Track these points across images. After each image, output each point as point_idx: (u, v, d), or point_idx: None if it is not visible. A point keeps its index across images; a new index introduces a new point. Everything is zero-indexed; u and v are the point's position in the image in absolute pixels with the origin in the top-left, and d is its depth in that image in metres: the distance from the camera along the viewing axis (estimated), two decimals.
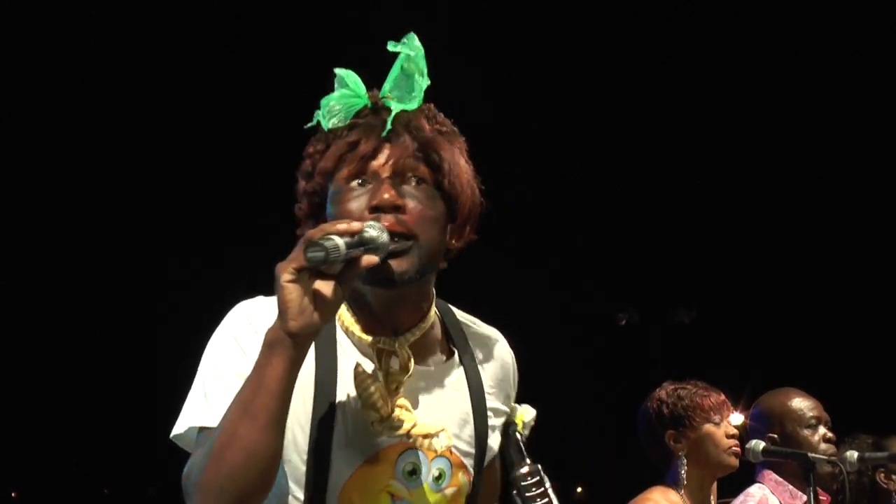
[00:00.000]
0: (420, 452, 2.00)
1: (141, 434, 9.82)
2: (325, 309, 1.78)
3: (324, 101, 2.03)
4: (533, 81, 7.73)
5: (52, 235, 9.10)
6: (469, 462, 2.08)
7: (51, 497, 13.41)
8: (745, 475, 3.92)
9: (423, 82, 2.02)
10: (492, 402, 2.13)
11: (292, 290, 1.76)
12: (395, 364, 1.97)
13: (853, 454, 4.00)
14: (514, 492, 2.09)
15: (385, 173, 1.96)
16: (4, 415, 10.62)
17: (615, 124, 8.89)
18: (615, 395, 8.37)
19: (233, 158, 8.52)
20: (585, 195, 8.84)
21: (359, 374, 1.94)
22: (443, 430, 2.01)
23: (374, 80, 2.09)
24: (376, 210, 1.92)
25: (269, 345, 1.79)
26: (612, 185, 9.24)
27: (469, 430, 2.08)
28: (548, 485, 2.10)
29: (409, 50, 2.01)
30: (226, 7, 7.99)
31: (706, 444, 3.71)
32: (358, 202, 1.94)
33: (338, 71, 2.05)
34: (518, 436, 2.17)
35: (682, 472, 3.68)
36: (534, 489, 2.08)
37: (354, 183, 1.96)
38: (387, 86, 2.04)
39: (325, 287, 1.78)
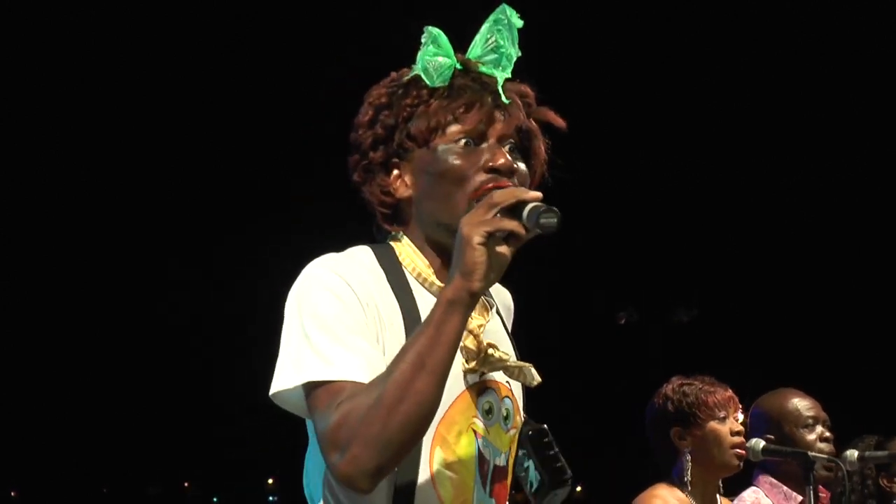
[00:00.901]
0: (494, 392, 2.07)
1: (141, 434, 9.82)
2: (500, 271, 1.89)
3: (422, 58, 2.08)
4: (531, 80, 7.68)
5: (48, 236, 9.07)
6: (521, 405, 2.16)
7: (50, 497, 13.39)
8: (744, 474, 3.91)
9: (515, 52, 2.09)
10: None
11: (483, 252, 1.86)
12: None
13: (853, 453, 3.99)
14: (524, 451, 2.10)
15: (493, 137, 2.05)
16: (4, 415, 10.62)
17: (613, 122, 8.90)
18: (615, 394, 8.37)
19: (227, 158, 8.50)
20: (584, 194, 8.85)
21: None
22: (530, 364, 2.09)
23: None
24: (494, 171, 2.02)
25: (450, 302, 1.87)
26: (611, 185, 9.24)
27: None
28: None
29: (505, 19, 2.07)
30: (224, 9, 7.97)
31: (710, 443, 3.70)
32: (469, 161, 2.03)
33: (431, 29, 2.09)
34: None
35: (688, 469, 3.68)
36: (551, 449, 2.11)
37: (463, 142, 2.04)
38: (476, 50, 2.10)
39: (504, 251, 1.87)
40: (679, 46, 8.58)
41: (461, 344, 1.99)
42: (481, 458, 2.05)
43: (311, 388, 1.93)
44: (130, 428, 9.59)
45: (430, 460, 2.00)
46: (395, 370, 1.87)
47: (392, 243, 2.12)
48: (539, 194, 1.91)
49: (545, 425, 2.14)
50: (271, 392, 1.99)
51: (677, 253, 9.68)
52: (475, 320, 2.06)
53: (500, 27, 2.10)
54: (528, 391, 2.24)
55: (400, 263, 2.09)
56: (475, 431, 2.04)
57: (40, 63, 7.87)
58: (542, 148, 2.15)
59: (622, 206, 9.37)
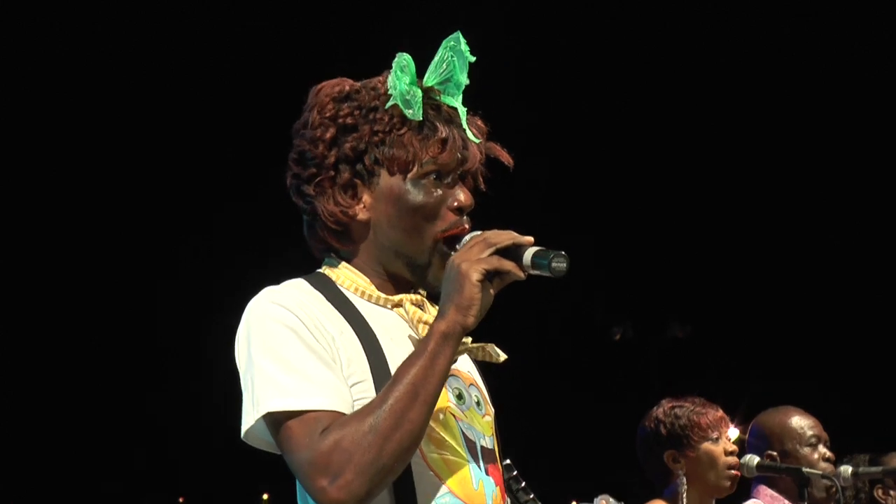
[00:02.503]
0: (459, 379, 2.13)
1: (135, 448, 9.81)
2: (486, 308, 1.98)
3: (398, 87, 2.11)
4: (522, 96, 7.73)
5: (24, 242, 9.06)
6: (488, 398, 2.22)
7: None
8: (741, 490, 3.91)
9: (465, 81, 2.15)
10: None
11: (480, 289, 1.95)
12: (413, 313, 2.12)
13: (847, 469, 4.00)
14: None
15: (457, 171, 2.13)
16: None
17: (607, 137, 8.90)
18: (610, 410, 8.37)
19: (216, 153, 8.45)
20: (579, 211, 8.85)
21: (410, 318, 2.11)
22: (492, 343, 2.17)
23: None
24: (460, 212, 2.11)
25: (444, 335, 1.96)
26: (606, 201, 9.25)
27: None
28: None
29: (457, 47, 2.13)
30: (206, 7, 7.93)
31: (705, 464, 3.70)
32: (438, 197, 2.11)
33: (403, 56, 2.13)
34: None
35: (683, 492, 3.67)
36: (524, 490, 2.19)
37: (433, 177, 2.11)
38: (433, 77, 2.15)
39: (491, 289, 1.98)
40: (674, 60, 8.59)
41: (421, 336, 2.07)
42: (466, 439, 2.09)
43: (278, 421, 1.98)
44: (125, 442, 9.57)
45: (420, 447, 2.03)
46: (389, 398, 1.93)
47: (324, 270, 2.17)
48: (531, 238, 2.00)
49: (507, 460, 2.22)
50: (242, 435, 2.04)
51: (672, 268, 9.69)
52: (429, 315, 2.12)
53: (454, 54, 2.14)
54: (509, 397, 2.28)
55: (335, 284, 2.13)
56: (453, 414, 2.09)
57: (21, 55, 7.81)
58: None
59: (616, 223, 9.37)
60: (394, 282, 2.15)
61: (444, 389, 2.04)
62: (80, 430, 9.12)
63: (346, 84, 2.19)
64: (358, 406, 2.00)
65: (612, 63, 8.55)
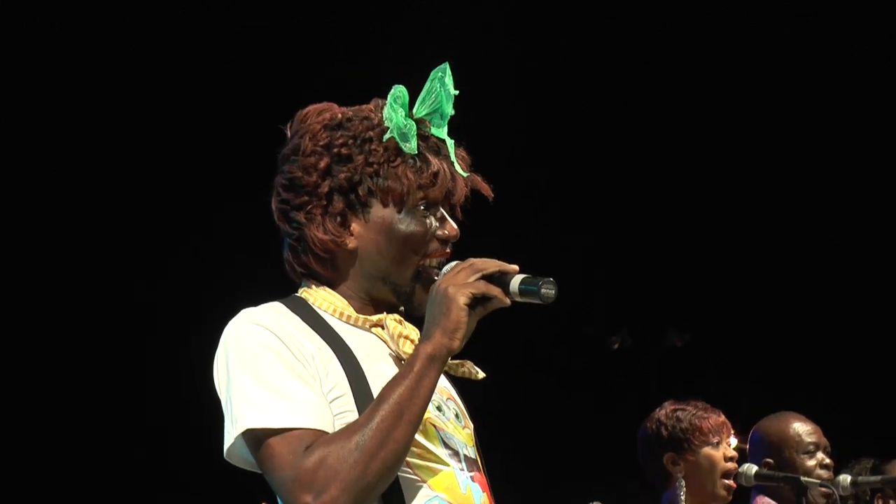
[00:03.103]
0: (437, 393, 2.13)
1: (133, 455, 9.81)
2: (470, 332, 2.03)
3: (394, 120, 2.14)
4: (515, 102, 7.72)
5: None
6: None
7: None
8: (741, 499, 3.90)
9: (450, 112, 2.19)
10: None
11: (467, 313, 1.99)
12: (393, 328, 2.15)
13: (846, 478, 3.99)
14: None
15: (445, 203, 2.19)
16: None
17: (604, 144, 8.89)
18: (608, 418, 8.36)
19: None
20: (577, 217, 8.84)
21: (391, 334, 2.14)
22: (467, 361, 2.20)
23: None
24: (445, 243, 2.17)
25: (430, 357, 1.99)
26: (603, 208, 9.24)
27: None
28: None
29: (444, 78, 2.16)
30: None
31: (704, 469, 3.70)
32: (428, 228, 2.16)
33: (401, 88, 2.17)
34: None
35: (682, 495, 3.67)
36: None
37: (422, 207, 2.16)
38: (423, 109, 2.18)
39: (474, 315, 2.02)
40: (671, 66, 8.59)
41: (401, 351, 2.12)
42: (448, 448, 2.12)
43: (258, 439, 1.99)
44: (122, 449, 9.55)
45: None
46: (375, 417, 1.96)
47: (301, 294, 2.19)
48: (516, 267, 2.05)
49: None
50: (225, 454, 2.06)
51: (670, 276, 9.67)
52: (411, 330, 2.16)
53: (441, 85, 2.17)
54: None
55: (311, 306, 2.16)
56: (434, 425, 2.12)
57: (13, 51, 7.75)
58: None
59: (614, 231, 9.36)
60: (375, 305, 2.18)
61: None
62: (74, 435, 9.08)
63: (336, 111, 2.21)
64: (339, 421, 2.02)
65: (607, 72, 8.54)
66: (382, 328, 2.16)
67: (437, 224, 2.17)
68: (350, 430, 1.97)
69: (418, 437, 2.06)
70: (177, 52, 7.69)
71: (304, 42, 7.50)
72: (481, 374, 2.17)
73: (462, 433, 2.17)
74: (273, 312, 2.10)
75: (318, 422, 1.99)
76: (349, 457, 1.93)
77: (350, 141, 2.15)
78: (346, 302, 2.16)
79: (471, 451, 2.17)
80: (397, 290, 2.16)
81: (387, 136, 2.14)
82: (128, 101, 7.82)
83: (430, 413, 2.10)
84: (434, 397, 2.11)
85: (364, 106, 2.21)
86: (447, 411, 2.16)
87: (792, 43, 8.30)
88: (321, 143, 2.15)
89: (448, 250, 2.17)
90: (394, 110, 2.14)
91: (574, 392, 9.91)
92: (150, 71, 7.78)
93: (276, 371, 2.01)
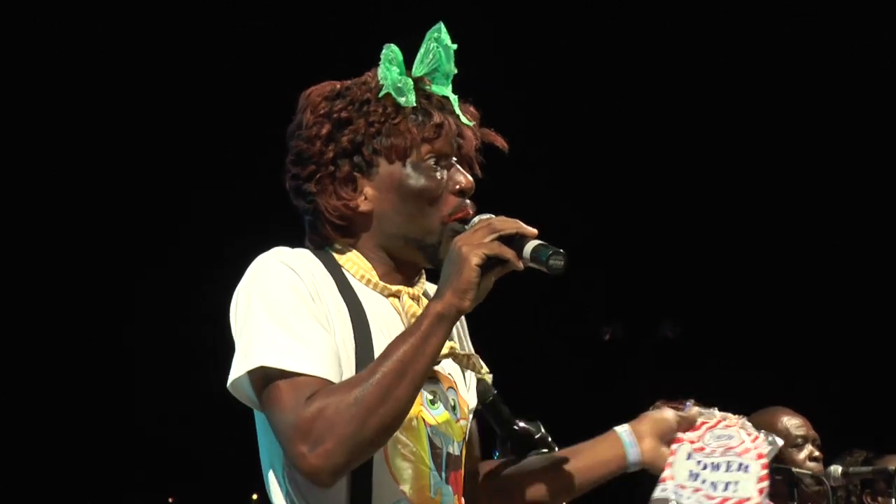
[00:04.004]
0: (437, 383, 2.14)
1: (125, 447, 9.80)
2: (484, 294, 1.99)
3: (389, 77, 2.14)
4: (509, 96, 7.73)
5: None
6: (470, 401, 2.24)
7: None
8: None
9: (452, 70, 2.18)
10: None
11: (478, 273, 1.95)
12: (408, 307, 2.13)
13: (837, 469, 4.01)
14: (525, 447, 2.26)
15: (454, 157, 2.16)
16: None
17: (598, 137, 8.91)
18: (601, 411, 8.37)
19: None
20: (568, 209, 8.85)
21: (404, 311, 2.12)
22: (475, 354, 2.18)
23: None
24: (462, 194, 2.14)
25: (439, 316, 1.96)
26: (595, 200, 9.26)
27: None
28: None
29: (440, 37, 2.16)
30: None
31: None
32: (439, 181, 2.13)
33: (391, 47, 2.17)
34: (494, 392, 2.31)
35: None
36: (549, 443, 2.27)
37: (432, 161, 2.13)
38: (421, 68, 2.17)
39: (489, 277, 1.99)
40: (667, 59, 8.60)
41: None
42: (433, 446, 2.10)
43: (268, 378, 1.98)
44: (114, 441, 9.56)
45: (385, 452, 2.06)
46: (377, 373, 1.93)
47: (332, 252, 2.18)
48: (536, 231, 2.01)
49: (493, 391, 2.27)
50: (229, 382, 2.03)
51: (663, 268, 9.69)
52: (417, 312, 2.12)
53: (438, 45, 2.17)
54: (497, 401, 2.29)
55: (340, 266, 2.15)
56: (424, 420, 2.10)
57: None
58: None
59: (605, 223, 9.38)
60: (400, 269, 2.17)
61: (419, 394, 2.04)
62: (63, 430, 9.09)
63: (336, 84, 2.21)
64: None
65: (603, 70, 8.55)
66: (399, 299, 2.15)
67: (450, 176, 2.15)
68: (351, 383, 1.95)
69: (404, 433, 2.05)
70: (176, 52, 7.68)
71: (303, 42, 7.50)
72: (485, 370, 2.17)
73: (454, 427, 2.16)
74: (305, 259, 2.10)
75: (326, 371, 1.98)
76: (347, 411, 1.91)
77: (349, 106, 2.15)
78: (370, 265, 2.15)
79: (456, 447, 2.15)
80: (421, 244, 2.14)
81: (382, 92, 2.13)
82: (127, 101, 7.83)
83: (423, 407, 2.10)
84: (432, 387, 2.11)
85: (364, 74, 2.22)
86: (443, 403, 2.14)
87: (787, 49, 8.27)
88: (321, 113, 2.16)
89: (470, 209, 2.14)
90: (387, 69, 2.14)
91: (564, 382, 9.94)
92: (149, 71, 7.76)
93: (297, 314, 2.00)
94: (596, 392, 9.70)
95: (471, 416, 2.26)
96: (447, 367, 2.18)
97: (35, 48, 7.76)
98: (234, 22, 7.70)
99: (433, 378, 2.12)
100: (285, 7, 7.64)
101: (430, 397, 2.13)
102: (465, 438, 2.19)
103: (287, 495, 2.06)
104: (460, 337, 2.26)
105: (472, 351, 2.28)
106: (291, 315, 2.00)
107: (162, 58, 7.82)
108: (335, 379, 1.99)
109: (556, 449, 2.25)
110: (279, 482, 2.08)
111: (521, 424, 2.28)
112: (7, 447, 9.06)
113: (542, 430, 2.28)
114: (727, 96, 8.65)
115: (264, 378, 1.98)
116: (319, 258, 2.14)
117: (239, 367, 2.00)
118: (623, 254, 9.52)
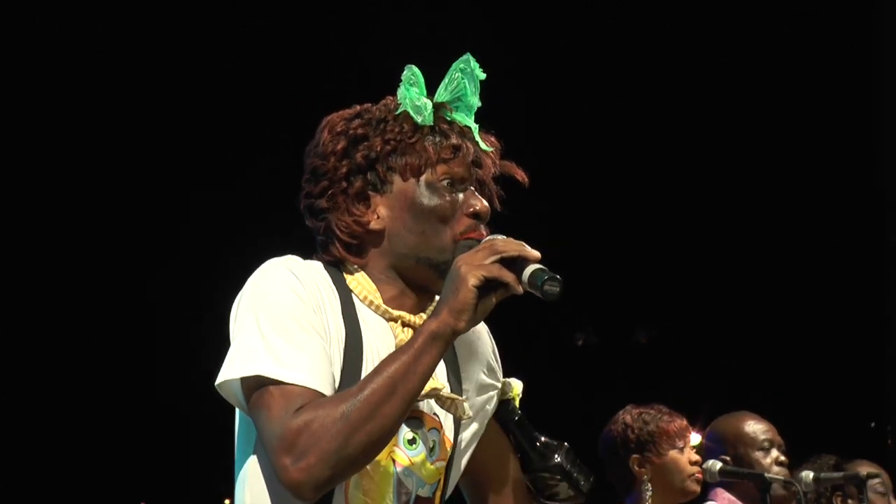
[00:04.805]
0: (419, 423, 2.09)
1: (98, 452, 9.76)
2: (482, 316, 1.96)
3: (408, 96, 2.12)
4: (496, 106, 7.70)
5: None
6: (454, 438, 2.17)
7: None
8: (701, 495, 3.95)
9: (477, 103, 2.16)
10: (476, 376, 2.24)
11: (476, 295, 1.92)
12: (398, 341, 2.08)
13: (808, 474, 4.06)
14: (548, 474, 2.17)
15: (472, 183, 2.13)
16: None
17: (573, 141, 8.93)
18: (575, 415, 8.41)
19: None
20: (545, 216, 8.88)
21: (397, 342, 2.07)
22: (465, 398, 2.13)
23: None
24: (476, 217, 2.10)
25: (433, 335, 1.93)
26: (571, 206, 9.28)
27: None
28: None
29: (467, 69, 2.14)
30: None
31: (670, 471, 3.75)
32: (449, 201, 2.10)
33: (412, 68, 2.15)
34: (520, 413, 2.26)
35: (647, 496, 3.72)
36: (575, 465, 2.18)
37: (447, 182, 2.10)
38: (444, 95, 2.15)
39: (489, 298, 1.95)
40: (647, 69, 8.63)
41: None
42: (400, 486, 2.07)
43: (260, 384, 1.95)
44: (88, 446, 9.52)
45: (346, 486, 2.02)
46: (366, 389, 1.91)
47: (341, 271, 2.15)
48: (538, 254, 1.98)
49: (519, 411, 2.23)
50: (218, 381, 2.01)
51: (636, 273, 9.73)
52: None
53: (465, 76, 2.15)
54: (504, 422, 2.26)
55: (346, 284, 2.12)
56: (394, 460, 2.06)
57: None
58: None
59: (580, 228, 9.41)
60: (411, 293, 2.14)
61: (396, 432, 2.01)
62: (41, 431, 9.06)
63: (357, 106, 2.19)
64: None
65: (575, 85, 8.57)
66: (397, 323, 2.11)
67: (465, 199, 2.11)
68: (340, 398, 1.92)
69: (371, 470, 2.02)
70: (176, 52, 7.67)
71: (304, 42, 7.49)
72: (467, 414, 2.11)
73: (429, 469, 2.11)
74: (314, 271, 2.08)
75: (319, 383, 1.95)
76: (333, 426, 1.88)
77: (366, 124, 2.13)
78: (375, 287, 2.12)
79: (427, 490, 2.11)
80: (433, 263, 2.09)
81: (399, 110, 2.12)
82: (127, 101, 7.81)
83: (397, 447, 2.06)
84: (413, 428, 2.08)
85: (385, 98, 2.20)
86: (421, 445, 2.10)
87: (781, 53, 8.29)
88: (338, 131, 2.14)
89: (484, 232, 2.10)
90: (407, 89, 2.12)
91: (537, 388, 9.97)
92: (149, 71, 7.74)
93: (297, 322, 1.98)
94: (569, 397, 9.73)
95: (459, 450, 2.21)
96: (430, 407, 2.12)
97: (36, 49, 7.73)
98: (235, 22, 7.68)
99: (416, 418, 2.09)
100: (286, 7, 7.61)
101: (409, 437, 2.09)
102: (439, 481, 2.13)
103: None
104: (448, 378, 2.19)
105: (490, 379, 2.26)
106: (291, 322, 1.98)
107: (162, 58, 7.80)
108: (328, 391, 1.96)
109: (575, 475, 2.18)
110: (242, 487, 2.06)
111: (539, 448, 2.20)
112: (9, 447, 9.04)
113: (560, 457, 2.18)
114: (701, 109, 8.69)
115: (257, 385, 1.96)
116: (329, 273, 2.11)
117: (233, 370, 1.99)
118: (597, 260, 9.55)
